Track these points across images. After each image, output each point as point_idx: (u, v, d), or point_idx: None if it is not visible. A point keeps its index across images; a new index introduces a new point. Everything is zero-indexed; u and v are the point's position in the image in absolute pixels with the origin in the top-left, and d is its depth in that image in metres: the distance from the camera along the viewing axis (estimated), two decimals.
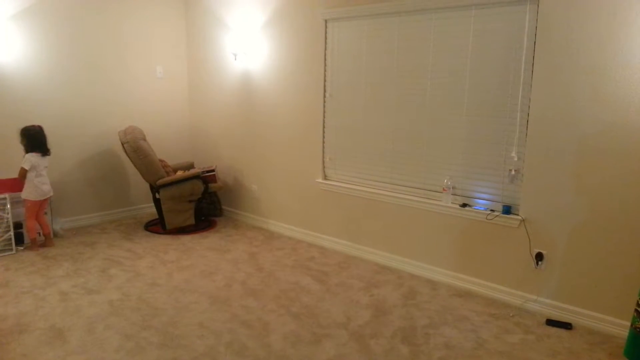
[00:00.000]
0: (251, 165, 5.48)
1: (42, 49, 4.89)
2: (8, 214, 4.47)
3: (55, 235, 4.92)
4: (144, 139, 5.21)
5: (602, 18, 3.02)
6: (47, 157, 4.55)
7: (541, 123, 3.35)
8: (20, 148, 4.47)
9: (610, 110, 3.06)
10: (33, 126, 4.48)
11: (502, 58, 3.52)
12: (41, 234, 4.69)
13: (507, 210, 3.57)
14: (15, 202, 4.60)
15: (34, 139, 4.45)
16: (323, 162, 4.76)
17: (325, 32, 4.52)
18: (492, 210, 3.66)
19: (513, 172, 3.55)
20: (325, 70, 4.58)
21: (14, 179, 4.61)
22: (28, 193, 4.47)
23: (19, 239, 4.63)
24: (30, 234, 4.58)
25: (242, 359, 2.85)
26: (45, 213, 4.72)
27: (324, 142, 4.72)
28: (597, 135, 3.13)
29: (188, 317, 3.35)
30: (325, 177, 4.78)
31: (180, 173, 5.29)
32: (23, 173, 4.42)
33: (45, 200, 4.60)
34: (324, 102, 4.64)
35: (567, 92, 3.21)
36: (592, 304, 3.28)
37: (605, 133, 3.09)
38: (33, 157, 4.42)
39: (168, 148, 5.93)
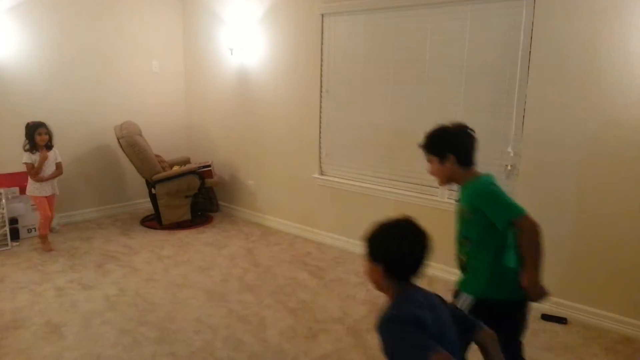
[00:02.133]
0: (248, 161, 5.47)
1: (37, 43, 4.85)
2: (3, 209, 4.45)
3: (51, 230, 4.90)
4: (140, 134, 5.19)
5: (600, 13, 3.02)
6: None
7: (537, 118, 3.35)
8: (13, 143, 4.47)
9: (607, 105, 3.06)
10: None
11: (498, 53, 3.52)
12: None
13: None
14: (11, 198, 4.58)
15: None
16: (320, 157, 4.75)
17: (322, 27, 4.50)
18: None
19: (509, 168, 3.55)
20: (321, 65, 4.57)
21: (10, 174, 4.60)
22: None
23: (15, 235, 4.61)
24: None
25: (238, 354, 2.86)
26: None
27: (320, 137, 4.71)
28: (594, 131, 3.13)
29: (185, 312, 3.35)
30: (321, 173, 4.78)
31: (176, 168, 5.28)
32: None
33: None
34: (321, 97, 4.63)
35: (564, 87, 3.21)
36: (588, 298, 3.29)
37: (602, 128, 3.10)
38: None
39: (164, 143, 5.90)
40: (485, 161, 3.66)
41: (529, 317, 2.13)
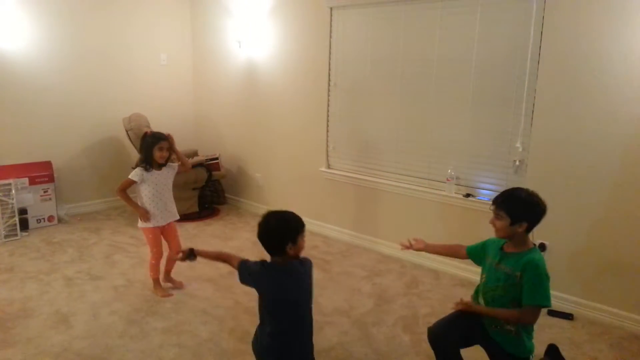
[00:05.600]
0: (255, 153, 5.48)
1: (47, 35, 4.87)
2: (13, 199, 4.49)
3: (60, 221, 4.95)
4: (148, 126, 5.20)
5: (610, 10, 2.99)
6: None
7: (546, 114, 3.33)
8: (22, 134, 4.47)
9: (617, 100, 3.04)
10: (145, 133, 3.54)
11: (508, 48, 3.50)
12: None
13: None
14: (20, 188, 4.62)
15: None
16: (327, 151, 4.75)
17: (331, 20, 4.48)
18: None
19: (517, 163, 3.54)
20: (330, 59, 4.56)
21: (20, 165, 4.64)
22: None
23: (24, 225, 4.66)
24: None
25: (245, 345, 2.87)
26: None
27: (328, 130, 4.71)
28: (602, 127, 3.11)
29: (192, 303, 3.38)
30: (329, 166, 4.78)
31: None
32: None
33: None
34: (329, 90, 4.62)
35: (573, 83, 3.19)
36: (594, 294, 3.28)
37: (611, 124, 3.08)
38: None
39: (172, 135, 5.91)
40: (493, 156, 3.69)
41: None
